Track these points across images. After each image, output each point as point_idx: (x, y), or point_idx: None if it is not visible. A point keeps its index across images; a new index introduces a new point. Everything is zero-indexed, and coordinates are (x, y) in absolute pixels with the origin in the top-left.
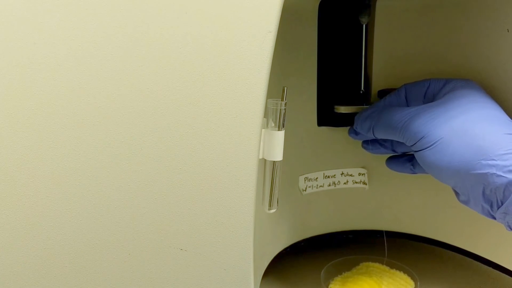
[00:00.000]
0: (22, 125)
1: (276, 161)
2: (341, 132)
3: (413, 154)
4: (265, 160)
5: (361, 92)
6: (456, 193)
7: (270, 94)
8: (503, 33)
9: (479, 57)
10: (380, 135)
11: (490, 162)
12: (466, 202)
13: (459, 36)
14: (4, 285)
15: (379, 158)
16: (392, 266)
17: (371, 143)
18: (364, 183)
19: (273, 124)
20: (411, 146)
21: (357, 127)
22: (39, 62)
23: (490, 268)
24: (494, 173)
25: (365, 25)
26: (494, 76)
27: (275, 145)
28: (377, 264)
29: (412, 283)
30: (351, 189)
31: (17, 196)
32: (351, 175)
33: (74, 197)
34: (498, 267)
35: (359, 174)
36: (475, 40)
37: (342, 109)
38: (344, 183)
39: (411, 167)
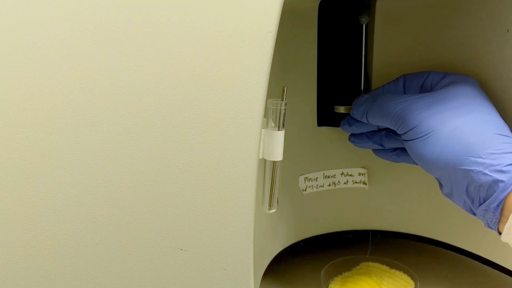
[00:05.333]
0: (22, 125)
1: (276, 161)
2: (341, 132)
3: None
4: (265, 160)
5: (361, 92)
6: (440, 185)
7: (270, 94)
8: (503, 33)
9: (480, 57)
10: (373, 121)
11: (478, 159)
12: (449, 195)
13: (459, 36)
14: (4, 285)
15: (379, 158)
16: (392, 266)
17: (359, 137)
18: (364, 183)
19: (273, 124)
20: (402, 134)
21: (353, 112)
22: (39, 62)
23: (490, 268)
24: (481, 171)
25: (365, 25)
26: (495, 76)
27: (275, 145)
28: (377, 264)
29: (412, 283)
30: (351, 189)
31: (17, 196)
32: (351, 175)
33: (74, 197)
34: (498, 267)
35: (359, 174)
36: (475, 40)
37: (342, 109)
38: (344, 183)
39: (395, 157)
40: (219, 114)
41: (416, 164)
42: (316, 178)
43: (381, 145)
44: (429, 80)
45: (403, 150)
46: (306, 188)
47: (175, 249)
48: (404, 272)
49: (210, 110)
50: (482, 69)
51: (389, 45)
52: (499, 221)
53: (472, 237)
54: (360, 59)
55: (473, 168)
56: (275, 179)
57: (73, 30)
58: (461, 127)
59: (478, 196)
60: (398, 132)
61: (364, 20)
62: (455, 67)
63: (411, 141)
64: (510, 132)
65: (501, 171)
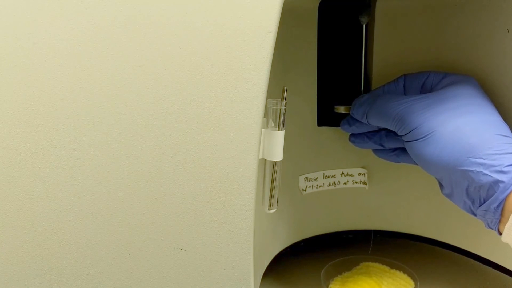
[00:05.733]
0: (22, 125)
1: (276, 161)
2: (341, 132)
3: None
4: (265, 160)
5: (361, 92)
6: (441, 186)
7: (270, 94)
8: (503, 33)
9: (480, 57)
10: (373, 122)
11: (478, 160)
12: (449, 196)
13: (459, 36)
14: (4, 285)
15: (379, 158)
16: (392, 266)
17: (359, 137)
18: (364, 183)
19: (273, 124)
20: (402, 136)
21: (353, 112)
22: (39, 62)
23: (490, 268)
24: (481, 172)
25: (365, 25)
26: (495, 76)
27: (275, 145)
28: (377, 264)
29: (412, 283)
30: (351, 189)
31: (17, 196)
32: (351, 175)
33: (74, 197)
34: (498, 267)
35: (359, 174)
36: (475, 40)
37: (342, 109)
38: (344, 183)
39: (395, 157)
40: (219, 114)
41: (416, 164)
42: (316, 178)
43: (381, 145)
44: (430, 80)
45: (403, 150)
46: (306, 188)
47: (175, 249)
48: (404, 272)
49: (210, 110)
50: (482, 69)
51: (389, 45)
52: (499, 221)
53: (472, 237)
54: (360, 59)
55: (473, 168)
56: (275, 179)
57: (73, 30)
58: (461, 127)
59: (478, 197)
60: (398, 133)
61: (364, 20)
62: (455, 67)
63: (412, 142)
64: (510, 133)
65: (502, 172)
